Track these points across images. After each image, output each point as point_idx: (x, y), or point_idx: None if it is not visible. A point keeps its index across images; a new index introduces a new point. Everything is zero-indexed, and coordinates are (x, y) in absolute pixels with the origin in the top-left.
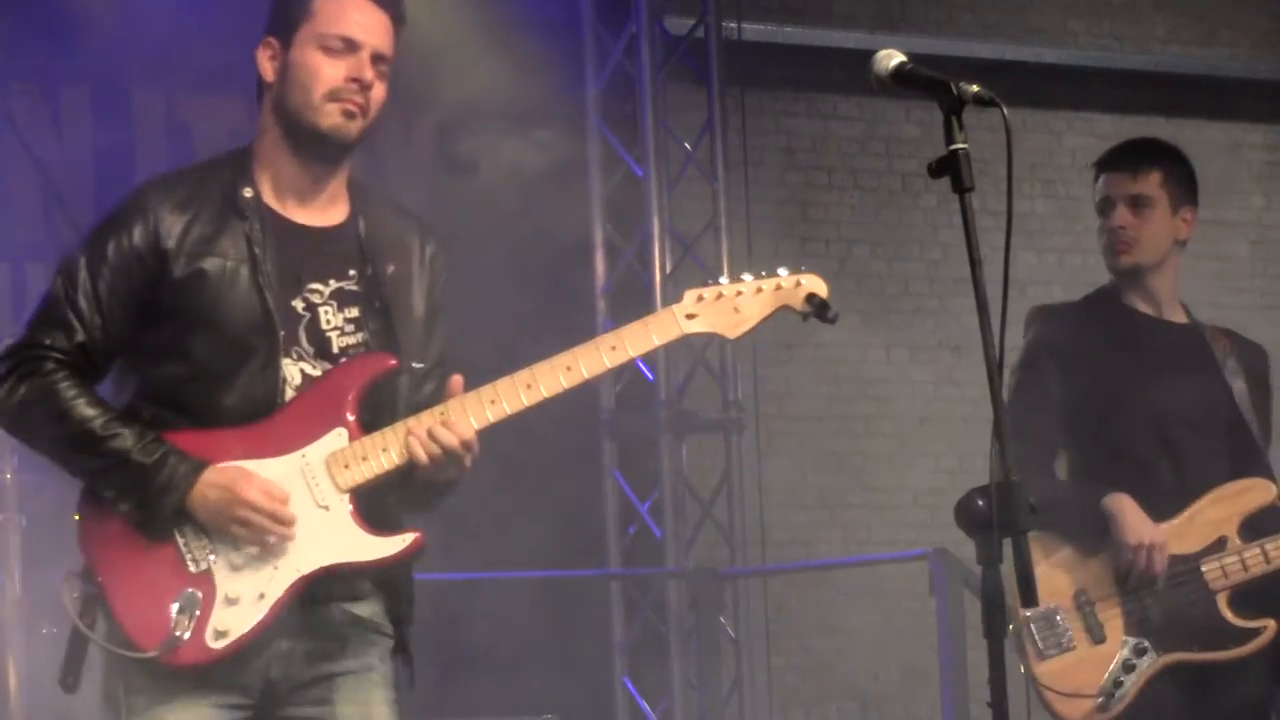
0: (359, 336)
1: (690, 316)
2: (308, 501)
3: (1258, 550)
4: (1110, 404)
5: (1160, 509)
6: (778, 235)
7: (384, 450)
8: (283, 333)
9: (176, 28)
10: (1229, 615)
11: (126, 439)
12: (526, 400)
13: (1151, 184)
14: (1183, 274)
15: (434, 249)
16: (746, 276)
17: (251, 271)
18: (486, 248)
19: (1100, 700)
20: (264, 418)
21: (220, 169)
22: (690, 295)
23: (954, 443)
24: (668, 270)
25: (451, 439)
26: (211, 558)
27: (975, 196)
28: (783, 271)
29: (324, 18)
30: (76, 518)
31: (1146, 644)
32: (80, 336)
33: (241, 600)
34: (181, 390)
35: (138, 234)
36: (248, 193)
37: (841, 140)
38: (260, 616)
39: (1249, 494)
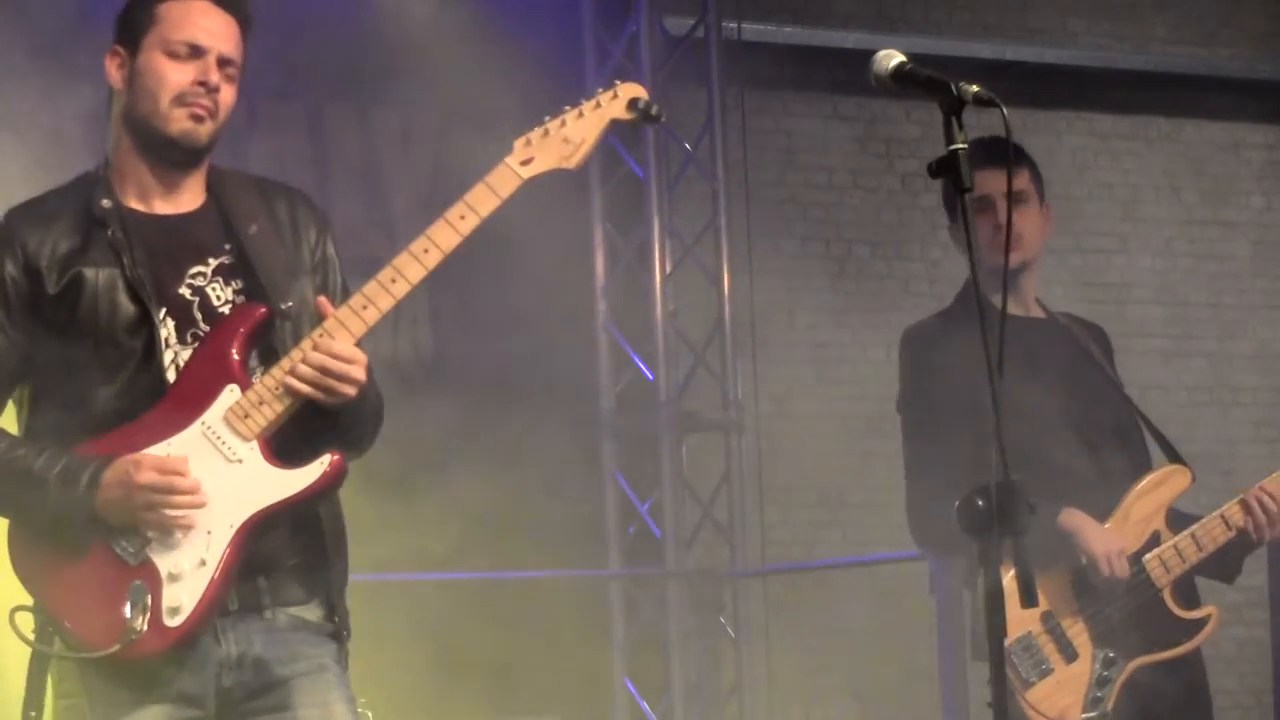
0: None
1: (525, 163)
2: (220, 462)
3: (1189, 538)
4: (1019, 416)
5: (1094, 512)
6: (778, 235)
7: (276, 390)
8: (174, 322)
9: None
10: (1176, 609)
11: (28, 459)
12: (396, 294)
13: (1025, 179)
14: (1183, 274)
15: (301, 206)
16: (566, 107)
17: (121, 276)
18: (486, 248)
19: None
20: (161, 402)
21: (78, 186)
22: (518, 144)
23: None
24: (668, 270)
25: (325, 359)
26: (146, 547)
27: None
28: (599, 90)
29: (169, 24)
30: (7, 550)
31: (1113, 654)
32: None
33: (184, 574)
34: (73, 405)
35: (9, 264)
36: (105, 203)
37: (841, 140)
38: (207, 581)
39: (1169, 482)
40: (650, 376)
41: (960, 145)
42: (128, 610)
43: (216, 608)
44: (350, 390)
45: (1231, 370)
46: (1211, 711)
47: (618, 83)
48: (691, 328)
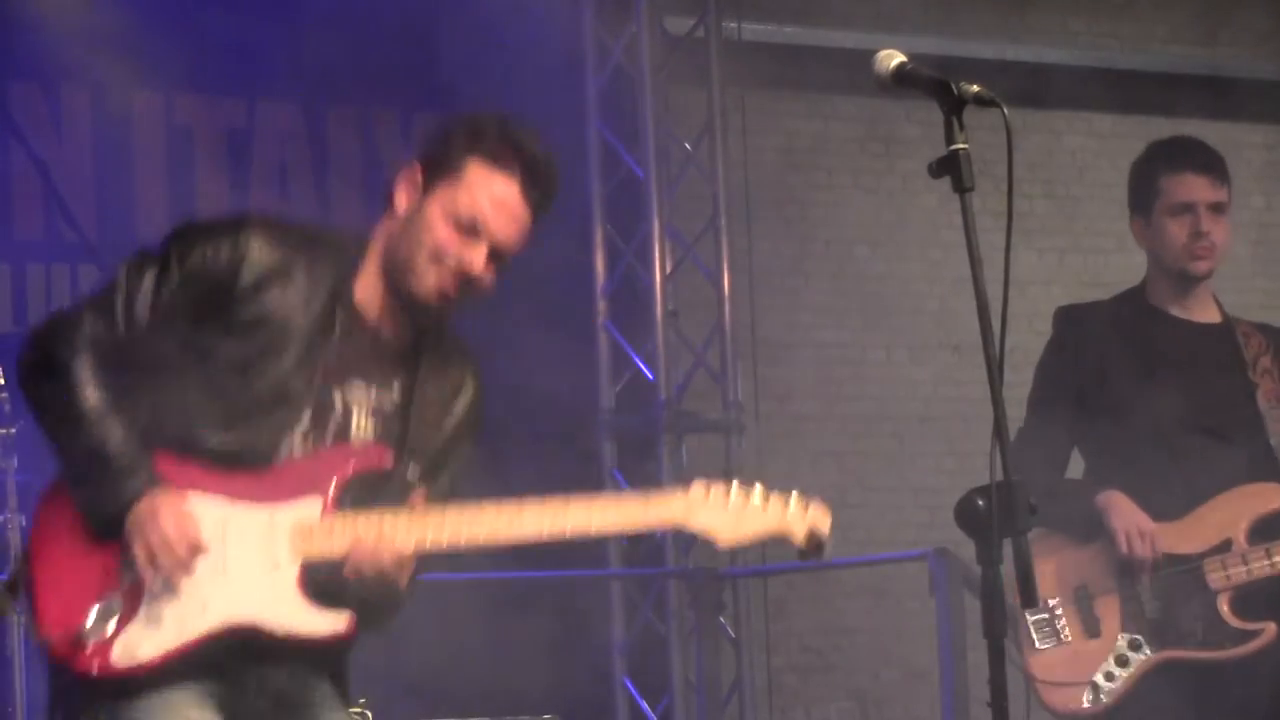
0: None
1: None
2: (261, 556)
3: (1263, 553)
4: (1122, 409)
5: (1169, 512)
6: (778, 235)
7: (342, 535)
8: (309, 411)
9: (176, 28)
10: (1229, 616)
11: (115, 434)
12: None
13: (1226, 191)
14: None
15: (474, 391)
16: (757, 485)
17: (307, 352)
18: None
19: (1088, 688)
20: (255, 471)
21: (331, 254)
22: (698, 485)
23: (954, 443)
24: (668, 270)
25: (383, 560)
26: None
27: (975, 196)
28: (794, 494)
29: (465, 189)
30: (39, 494)
31: (1141, 639)
32: (120, 331)
33: (163, 624)
34: (186, 422)
35: (225, 253)
36: (347, 303)
37: (841, 140)
38: (171, 646)
39: (1260, 497)
40: (650, 376)
41: (960, 145)
42: (92, 613)
43: (157, 674)
44: (386, 594)
45: None
46: None
47: (815, 504)
48: (691, 328)
